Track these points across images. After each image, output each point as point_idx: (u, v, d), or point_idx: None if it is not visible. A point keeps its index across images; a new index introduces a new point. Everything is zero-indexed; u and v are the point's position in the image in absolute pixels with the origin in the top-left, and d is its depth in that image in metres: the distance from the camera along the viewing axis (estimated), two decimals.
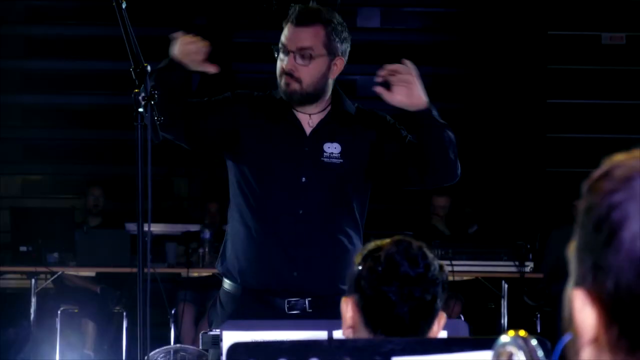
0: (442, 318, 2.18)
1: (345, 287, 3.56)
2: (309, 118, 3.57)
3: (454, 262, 7.53)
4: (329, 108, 3.59)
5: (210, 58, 3.58)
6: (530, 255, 7.70)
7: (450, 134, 3.49)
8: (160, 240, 7.90)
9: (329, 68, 3.53)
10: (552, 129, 9.97)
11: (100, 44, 9.90)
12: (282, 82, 3.51)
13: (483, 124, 9.88)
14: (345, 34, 3.55)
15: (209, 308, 6.62)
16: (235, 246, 3.60)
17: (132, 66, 3.25)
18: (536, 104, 9.88)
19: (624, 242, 1.11)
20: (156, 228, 7.96)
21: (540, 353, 1.35)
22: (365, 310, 2.15)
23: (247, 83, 3.41)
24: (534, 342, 1.36)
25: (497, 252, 7.71)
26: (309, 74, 3.49)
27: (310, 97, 3.53)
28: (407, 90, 3.41)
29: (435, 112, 3.46)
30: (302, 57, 3.48)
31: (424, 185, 3.61)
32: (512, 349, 1.36)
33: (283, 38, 3.51)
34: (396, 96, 3.41)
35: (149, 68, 3.26)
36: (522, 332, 1.38)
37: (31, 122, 10.20)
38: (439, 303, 2.16)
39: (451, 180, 3.60)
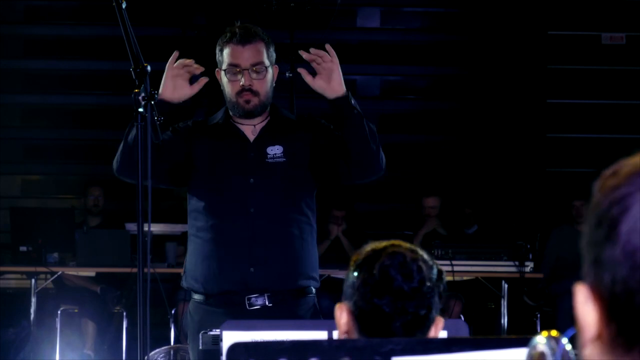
0: (439, 323, 2.15)
1: (303, 283, 3.72)
2: (253, 128, 3.83)
3: (454, 262, 7.53)
4: (268, 117, 3.84)
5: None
6: (530, 255, 7.70)
7: (371, 125, 3.71)
8: (160, 240, 7.90)
9: (273, 77, 3.81)
10: (552, 129, 9.97)
11: (100, 44, 9.90)
12: (240, 99, 3.76)
13: (483, 124, 9.88)
14: (271, 41, 3.85)
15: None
16: (194, 258, 3.80)
17: (132, 66, 3.26)
18: (536, 104, 9.88)
19: (621, 236, 1.11)
20: (156, 228, 7.96)
21: (572, 355, 1.34)
22: (359, 319, 2.13)
23: None
24: (566, 343, 1.35)
25: (497, 252, 7.71)
26: (264, 86, 3.77)
27: (265, 107, 3.81)
28: (327, 76, 3.66)
29: (354, 102, 3.69)
30: (256, 72, 3.75)
31: (353, 179, 3.81)
32: (545, 349, 1.35)
33: (231, 59, 3.76)
34: (317, 81, 3.67)
35: (149, 68, 3.27)
36: (554, 333, 1.37)
37: (31, 122, 10.20)
38: (435, 313, 2.14)
39: (376, 172, 3.79)
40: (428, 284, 2.12)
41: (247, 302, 3.68)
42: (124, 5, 3.22)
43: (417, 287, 2.11)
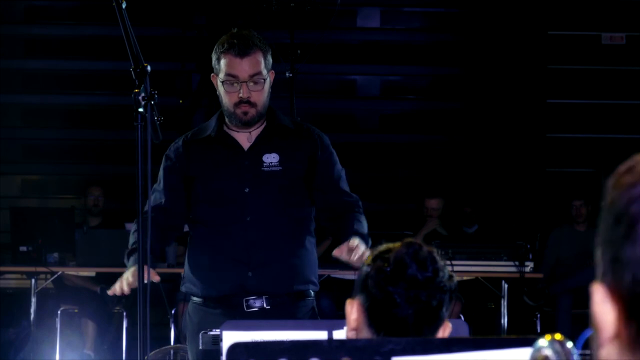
0: (447, 327, 2.14)
1: (301, 287, 3.75)
2: (248, 135, 3.81)
3: (454, 262, 7.53)
4: (265, 124, 3.83)
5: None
6: (530, 255, 7.70)
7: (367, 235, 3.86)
8: None
9: (270, 84, 3.79)
10: (552, 129, 9.97)
11: (100, 44, 9.90)
12: (238, 110, 3.75)
13: (483, 123, 9.88)
14: (268, 47, 3.81)
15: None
16: (193, 264, 3.83)
17: (132, 66, 3.26)
18: (536, 104, 9.88)
19: None
20: None
21: (576, 357, 1.33)
22: (370, 311, 2.12)
23: None
24: (569, 345, 1.35)
25: (497, 252, 7.71)
26: (262, 96, 3.75)
27: (262, 116, 3.79)
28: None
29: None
30: (254, 83, 3.73)
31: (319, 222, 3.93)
32: (548, 352, 1.35)
33: (229, 70, 3.73)
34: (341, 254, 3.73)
35: (149, 68, 3.27)
36: (558, 336, 1.36)
37: (31, 122, 10.20)
38: (445, 311, 2.13)
39: None
40: (441, 276, 2.12)
41: (245, 304, 3.70)
42: (124, 5, 3.22)
43: (430, 277, 2.11)
